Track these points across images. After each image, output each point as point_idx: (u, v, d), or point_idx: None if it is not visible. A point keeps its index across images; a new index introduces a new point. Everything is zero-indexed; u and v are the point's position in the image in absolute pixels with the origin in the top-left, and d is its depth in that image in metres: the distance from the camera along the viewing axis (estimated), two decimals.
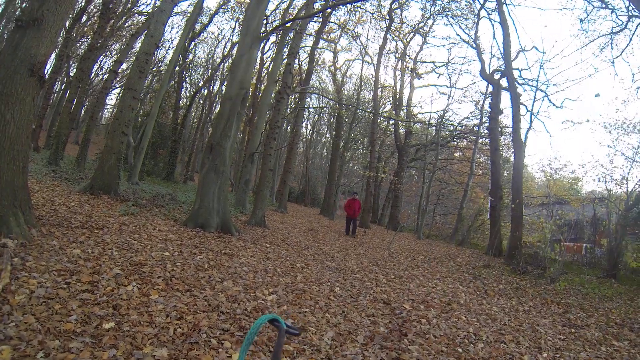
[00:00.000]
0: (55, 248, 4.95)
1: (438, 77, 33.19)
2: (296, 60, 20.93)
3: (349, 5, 22.13)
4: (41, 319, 3.17)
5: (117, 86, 35.52)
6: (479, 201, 28.01)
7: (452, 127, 28.18)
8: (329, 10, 21.33)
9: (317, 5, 17.73)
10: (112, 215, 8.17)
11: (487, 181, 24.57)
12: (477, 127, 25.65)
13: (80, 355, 2.76)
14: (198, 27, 25.64)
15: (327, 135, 44.20)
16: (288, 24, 16.68)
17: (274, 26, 16.92)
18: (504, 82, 18.99)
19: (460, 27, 23.46)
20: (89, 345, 2.92)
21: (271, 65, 20.32)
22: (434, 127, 28.61)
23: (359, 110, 28.16)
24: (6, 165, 4.93)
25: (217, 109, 36.91)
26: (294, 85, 23.39)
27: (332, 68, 31.20)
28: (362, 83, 31.74)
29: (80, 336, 3.01)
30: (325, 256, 9.30)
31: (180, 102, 28.72)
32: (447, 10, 22.92)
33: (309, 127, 41.39)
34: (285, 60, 16.88)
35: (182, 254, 6.10)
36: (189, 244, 6.98)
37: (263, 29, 13.85)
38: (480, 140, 25.90)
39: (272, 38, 25.38)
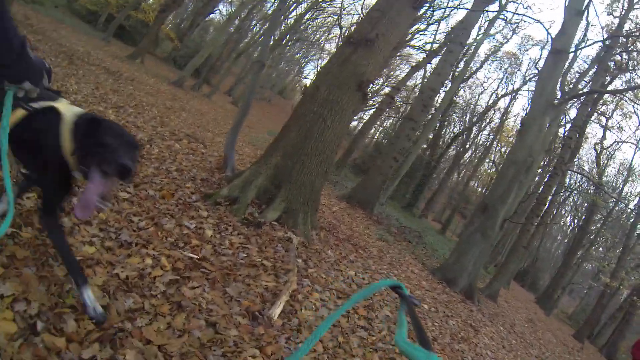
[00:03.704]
0: (331, 260, 5.00)
1: None
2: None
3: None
4: (328, 348, 2.96)
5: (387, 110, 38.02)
6: None
7: None
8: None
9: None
10: (370, 237, 8.34)
11: None
12: None
13: None
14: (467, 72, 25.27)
15: (568, 219, 37.48)
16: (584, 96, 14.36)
17: (570, 95, 14.65)
18: None
19: None
20: None
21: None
22: None
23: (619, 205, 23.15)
24: (314, 165, 5.17)
25: (469, 153, 35.64)
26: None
27: (599, 146, 25.83)
28: (631, 172, 26.75)
29: None
30: None
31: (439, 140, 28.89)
32: None
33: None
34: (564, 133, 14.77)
35: (438, 312, 5.75)
36: (440, 300, 6.65)
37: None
38: None
39: None
